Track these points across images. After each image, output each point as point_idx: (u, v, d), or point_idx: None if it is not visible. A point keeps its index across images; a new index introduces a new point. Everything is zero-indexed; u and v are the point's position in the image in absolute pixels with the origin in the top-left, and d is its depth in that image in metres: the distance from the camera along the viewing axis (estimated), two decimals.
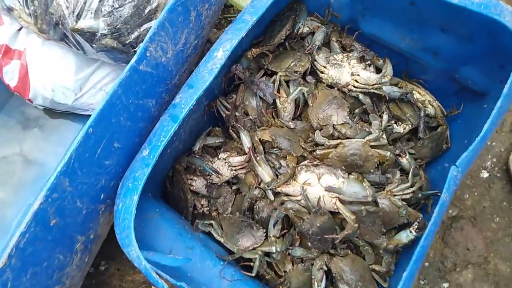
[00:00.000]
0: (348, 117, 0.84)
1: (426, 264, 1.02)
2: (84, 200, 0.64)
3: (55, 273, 0.63)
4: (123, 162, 0.69)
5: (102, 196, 0.67)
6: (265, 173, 0.83)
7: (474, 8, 0.69)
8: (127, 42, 0.87)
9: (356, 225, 0.75)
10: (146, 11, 0.85)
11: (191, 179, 0.90)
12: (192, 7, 0.71)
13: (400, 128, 0.95)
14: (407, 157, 0.86)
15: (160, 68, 0.69)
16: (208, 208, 0.92)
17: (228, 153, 0.89)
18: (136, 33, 0.87)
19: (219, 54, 0.69)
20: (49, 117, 1.20)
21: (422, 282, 1.01)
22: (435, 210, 0.64)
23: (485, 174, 1.11)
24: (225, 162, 0.88)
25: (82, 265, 0.73)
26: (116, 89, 0.62)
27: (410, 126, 0.95)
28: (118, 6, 0.83)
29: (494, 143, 1.14)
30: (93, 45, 0.87)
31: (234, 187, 0.93)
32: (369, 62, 0.93)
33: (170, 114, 0.68)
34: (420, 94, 0.99)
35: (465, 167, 0.66)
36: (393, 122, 0.95)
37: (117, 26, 0.84)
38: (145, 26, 0.86)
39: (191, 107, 0.67)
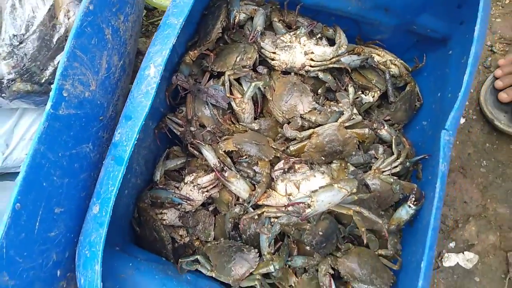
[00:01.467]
0: (314, 102, 0.75)
1: None
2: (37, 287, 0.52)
3: None
4: (72, 225, 0.57)
5: (58, 273, 0.56)
6: (241, 189, 0.74)
7: None
8: (43, 80, 0.74)
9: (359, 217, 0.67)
10: (54, 40, 0.72)
11: (161, 213, 0.79)
12: (105, 24, 0.59)
13: (369, 97, 0.88)
14: (386, 127, 0.79)
15: (86, 105, 0.57)
16: (189, 239, 0.82)
17: (194, 174, 0.79)
18: (50, 68, 0.74)
19: (152, 71, 0.58)
20: None
21: None
22: (437, 184, 0.57)
23: (462, 120, 1.07)
24: (194, 186, 0.77)
25: None
26: (36, 147, 0.50)
27: (378, 92, 0.88)
28: (18, 43, 0.69)
29: None
30: (3, 94, 0.73)
31: (211, 208, 0.83)
32: (319, 35, 0.84)
33: (113, 156, 0.56)
34: (380, 56, 0.92)
35: (455, 127, 0.59)
36: (360, 92, 0.88)
37: (25, 66, 0.71)
38: (58, 57, 0.74)
39: (135, 141, 0.56)
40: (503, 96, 0.96)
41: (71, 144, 0.55)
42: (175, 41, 0.60)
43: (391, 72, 0.90)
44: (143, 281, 0.65)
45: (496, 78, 1.00)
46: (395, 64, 0.91)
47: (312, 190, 0.66)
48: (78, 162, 0.58)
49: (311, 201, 0.63)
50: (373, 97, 0.88)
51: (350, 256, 0.73)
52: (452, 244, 0.96)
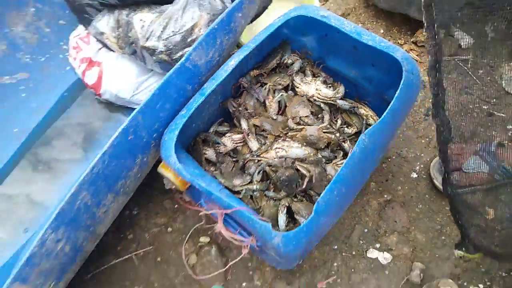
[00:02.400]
0: (309, 112, 1.31)
1: (365, 230, 1.42)
2: (146, 133, 1.08)
3: (122, 174, 1.06)
4: (169, 116, 1.14)
5: (154, 135, 1.12)
6: (254, 145, 1.28)
7: (384, 49, 1.18)
8: (174, 58, 1.37)
9: (311, 174, 1.18)
10: (188, 40, 1.37)
11: (205, 149, 1.35)
12: (218, 38, 1.22)
13: (349, 130, 1.41)
14: (348, 143, 1.31)
15: (197, 68, 1.18)
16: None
17: (231, 133, 1.35)
18: (180, 53, 1.37)
19: (232, 62, 1.18)
20: (60, 160, 1.35)
21: (361, 242, 1.40)
22: (349, 154, 1.07)
23: (414, 175, 1.54)
24: (229, 138, 1.33)
25: (134, 181, 1.16)
26: (171, 73, 1.10)
27: (355, 129, 1.41)
28: (172, 35, 1.34)
29: (422, 154, 1.58)
30: (153, 57, 1.37)
31: (233, 159, 1.37)
32: (330, 84, 1.42)
33: (200, 92, 1.15)
34: (365, 110, 1.45)
35: (371, 136, 1.10)
36: (345, 126, 1.41)
37: (170, 47, 1.35)
38: (186, 49, 1.37)
39: (211, 91, 1.14)
40: None
41: (184, 81, 1.15)
42: (248, 52, 1.20)
43: (368, 122, 1.43)
44: (188, 162, 1.18)
45: None
46: (373, 118, 1.44)
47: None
48: (182, 91, 1.16)
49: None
50: (351, 131, 1.41)
51: (302, 203, 1.21)
52: (377, 245, 1.39)
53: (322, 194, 1.01)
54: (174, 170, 1.06)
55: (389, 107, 1.12)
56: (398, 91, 1.13)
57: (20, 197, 1.25)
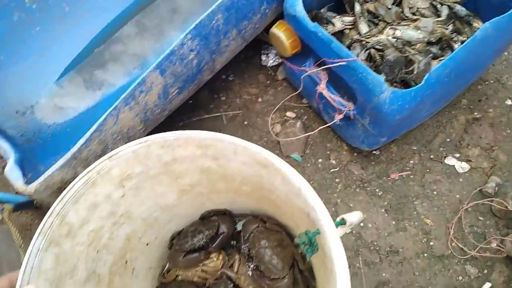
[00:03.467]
0: (429, 4, 1.30)
1: (448, 139, 1.44)
2: None
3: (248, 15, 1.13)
4: None
5: None
6: (363, 27, 1.31)
7: None
8: None
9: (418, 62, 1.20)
10: None
11: None
12: None
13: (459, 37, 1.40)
14: (459, 44, 1.30)
15: None
16: None
17: (342, 15, 1.38)
18: None
19: None
20: (111, 84, 1.30)
21: (442, 149, 1.43)
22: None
23: (509, 102, 1.51)
24: (339, 19, 1.36)
25: (252, 30, 1.23)
26: None
27: (465, 39, 1.39)
28: None
29: None
30: None
31: None
32: None
33: None
34: (477, 24, 1.43)
35: (495, 28, 1.09)
36: (455, 33, 1.40)
37: None
38: None
39: None
40: None
41: None
42: None
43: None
44: None
45: None
46: None
47: None
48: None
49: None
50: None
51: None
52: (457, 155, 1.42)
53: (435, 68, 1.04)
54: (298, 18, 1.11)
55: None
56: None
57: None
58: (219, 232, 1.00)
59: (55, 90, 1.26)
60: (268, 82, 1.59)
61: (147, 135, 0.78)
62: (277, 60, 1.60)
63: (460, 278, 1.26)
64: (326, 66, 1.12)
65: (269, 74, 1.62)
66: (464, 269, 1.27)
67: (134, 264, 0.90)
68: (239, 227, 1.05)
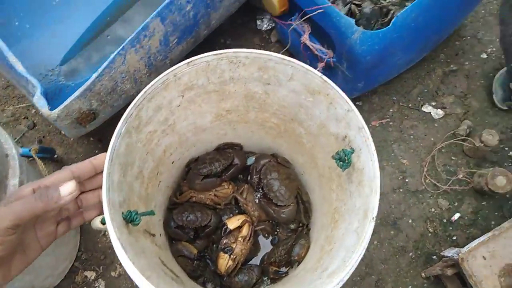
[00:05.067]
0: None
1: (425, 90, 1.58)
2: None
3: None
4: None
5: None
6: None
7: None
8: None
9: None
10: None
11: None
12: None
13: None
14: None
15: None
16: None
17: None
18: None
19: None
20: None
21: (419, 98, 1.57)
22: None
23: (484, 55, 1.64)
24: None
25: None
26: None
27: None
28: None
29: (497, 40, 1.66)
30: None
31: None
32: None
33: None
34: None
35: None
36: None
37: None
38: None
39: None
40: None
41: None
42: None
43: None
44: None
45: None
46: None
47: None
48: None
49: None
50: None
51: None
52: (433, 103, 1.56)
53: (401, 12, 1.18)
54: None
55: None
56: None
57: None
58: (233, 163, 1.09)
59: (74, 54, 1.44)
60: (263, 44, 1.75)
61: None
62: (271, 24, 1.75)
63: (433, 210, 1.41)
64: (307, 16, 1.27)
65: (263, 37, 1.77)
66: (436, 202, 1.41)
67: (161, 177, 0.98)
68: (249, 162, 1.14)
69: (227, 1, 1.33)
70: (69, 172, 0.55)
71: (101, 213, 0.59)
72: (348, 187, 0.79)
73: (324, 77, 0.74)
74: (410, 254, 1.34)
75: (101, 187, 0.59)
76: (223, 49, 0.76)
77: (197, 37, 1.36)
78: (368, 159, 0.69)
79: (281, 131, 1.02)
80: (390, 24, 1.17)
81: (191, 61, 0.75)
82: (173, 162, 1.02)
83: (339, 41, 1.24)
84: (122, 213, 0.64)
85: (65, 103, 1.05)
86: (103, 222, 0.59)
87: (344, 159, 0.74)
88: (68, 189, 0.50)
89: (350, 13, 1.44)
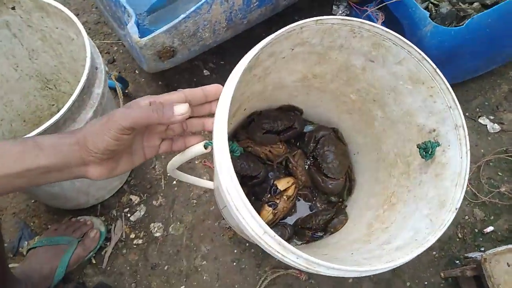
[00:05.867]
0: None
1: (486, 103, 1.57)
2: None
3: None
4: None
5: None
6: None
7: None
8: None
9: None
10: None
11: None
12: None
13: None
14: None
15: None
16: None
17: None
18: None
19: None
20: None
21: (478, 110, 1.57)
22: None
23: None
24: None
25: None
26: None
27: None
28: None
29: None
30: None
31: None
32: None
33: None
34: None
35: None
36: None
37: None
38: None
39: None
40: None
41: None
42: None
43: None
44: None
45: None
46: None
47: None
48: None
49: None
50: None
51: None
52: (491, 117, 1.55)
53: (477, 14, 1.20)
54: None
55: None
56: None
57: None
58: (293, 126, 1.14)
59: (161, 5, 1.57)
60: None
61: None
62: (346, 11, 1.81)
63: (467, 217, 1.41)
64: (384, 3, 1.32)
65: None
66: (472, 211, 1.42)
67: (231, 120, 1.04)
68: (305, 129, 1.19)
69: None
70: (182, 95, 0.58)
71: (201, 140, 0.63)
72: (420, 176, 0.83)
73: (438, 70, 0.74)
74: (434, 253, 1.36)
75: (206, 116, 0.63)
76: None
77: (276, 5, 1.46)
78: (457, 156, 0.73)
79: (353, 108, 1.05)
80: (464, 25, 1.19)
81: (319, 20, 0.74)
82: (245, 109, 1.10)
83: (410, 32, 1.28)
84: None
85: (153, 34, 1.18)
86: (205, 146, 0.61)
87: (429, 151, 0.78)
88: (181, 109, 0.53)
89: (427, 10, 1.47)
